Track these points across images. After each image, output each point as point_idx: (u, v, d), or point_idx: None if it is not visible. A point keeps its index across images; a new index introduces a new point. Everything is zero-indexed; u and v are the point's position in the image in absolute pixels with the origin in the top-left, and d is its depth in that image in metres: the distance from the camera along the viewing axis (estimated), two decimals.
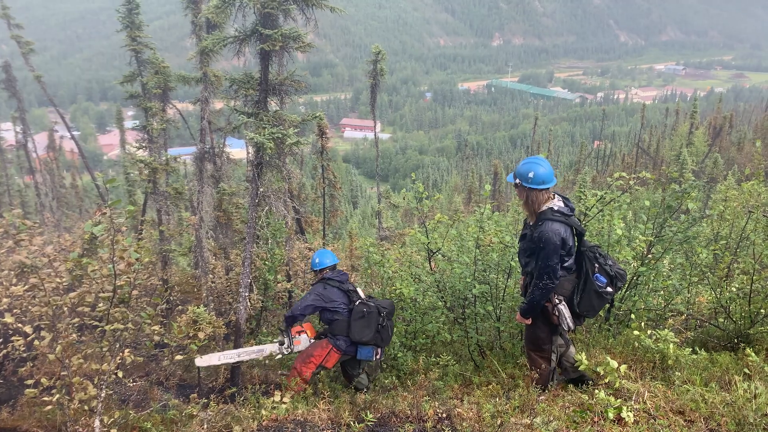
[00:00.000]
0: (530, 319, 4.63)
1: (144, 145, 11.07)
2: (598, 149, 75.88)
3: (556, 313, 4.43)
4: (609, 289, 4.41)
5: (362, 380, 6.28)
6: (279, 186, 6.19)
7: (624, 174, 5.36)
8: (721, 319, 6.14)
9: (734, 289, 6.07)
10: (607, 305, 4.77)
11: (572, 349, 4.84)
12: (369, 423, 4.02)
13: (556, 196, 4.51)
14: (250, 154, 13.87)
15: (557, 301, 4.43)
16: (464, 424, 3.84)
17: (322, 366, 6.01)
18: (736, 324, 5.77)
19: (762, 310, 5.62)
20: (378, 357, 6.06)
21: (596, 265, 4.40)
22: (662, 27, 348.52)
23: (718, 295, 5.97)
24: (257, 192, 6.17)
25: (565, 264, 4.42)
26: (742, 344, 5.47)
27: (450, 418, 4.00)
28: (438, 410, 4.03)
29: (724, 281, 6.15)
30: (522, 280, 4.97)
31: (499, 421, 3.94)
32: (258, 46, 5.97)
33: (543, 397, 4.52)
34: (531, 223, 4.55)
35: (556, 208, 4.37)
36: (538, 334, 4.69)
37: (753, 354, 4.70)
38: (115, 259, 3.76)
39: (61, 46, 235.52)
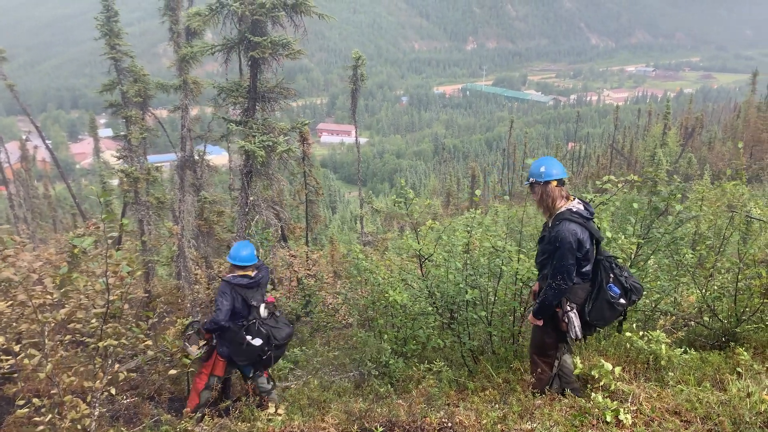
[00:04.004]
0: (542, 320, 4.60)
1: (125, 154, 10.88)
2: (572, 151, 76.88)
3: (566, 320, 4.40)
4: (622, 300, 4.35)
5: (261, 383, 6.00)
6: (268, 194, 6.13)
7: (612, 177, 5.42)
8: (706, 318, 6.23)
9: (716, 288, 6.18)
10: (622, 318, 4.67)
11: (571, 358, 4.80)
12: None
13: (575, 198, 4.49)
14: (233, 162, 13.76)
15: (569, 308, 4.39)
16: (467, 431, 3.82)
17: (213, 375, 5.70)
18: (722, 323, 5.86)
19: (747, 309, 5.72)
20: (258, 374, 5.85)
21: (611, 275, 4.36)
22: (631, 30, 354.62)
23: (705, 295, 6.06)
24: (247, 200, 6.09)
25: (582, 270, 4.39)
26: (731, 343, 5.56)
27: (451, 425, 3.98)
28: (441, 418, 4.00)
29: (708, 280, 6.24)
30: (536, 286, 4.94)
31: (500, 427, 3.93)
32: (248, 53, 5.89)
33: (539, 402, 4.53)
34: (549, 224, 4.53)
35: (574, 210, 4.35)
36: (545, 339, 4.68)
37: (744, 353, 4.78)
38: (108, 273, 3.67)
39: (30, 54, 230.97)
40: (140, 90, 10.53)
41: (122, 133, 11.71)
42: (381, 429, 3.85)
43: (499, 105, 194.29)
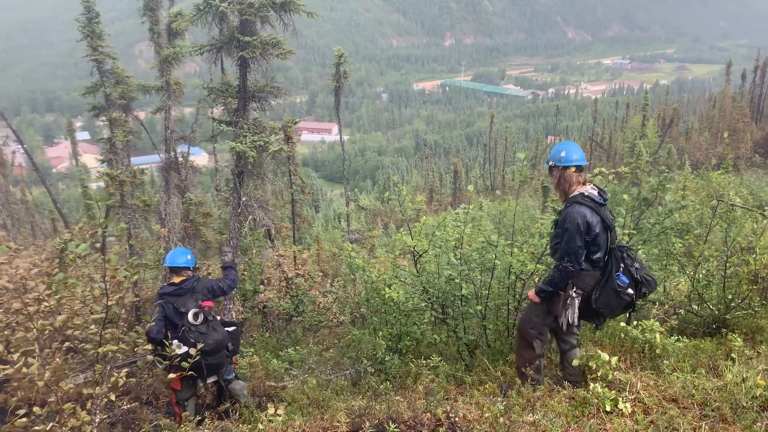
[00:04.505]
0: (539, 299, 4.62)
1: (109, 157, 10.75)
2: (552, 144, 77.47)
3: (568, 303, 4.40)
4: (630, 291, 4.32)
5: (235, 386, 5.97)
6: (259, 194, 6.11)
7: (604, 169, 5.48)
8: (695, 306, 6.34)
9: (703, 274, 6.29)
10: (630, 310, 4.63)
11: (577, 351, 4.80)
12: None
13: (590, 184, 4.50)
14: (218, 163, 13.69)
15: (573, 294, 4.39)
16: (476, 427, 3.84)
17: (176, 390, 5.59)
18: (712, 310, 5.97)
19: (736, 296, 5.83)
20: (209, 382, 5.78)
21: (622, 264, 4.35)
22: (607, 23, 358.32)
23: (694, 283, 6.17)
24: (239, 201, 6.06)
25: (593, 257, 4.38)
26: (722, 329, 5.66)
27: (454, 420, 4.00)
28: (449, 413, 4.02)
29: (696, 269, 6.34)
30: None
31: (502, 420, 3.96)
32: (237, 53, 5.85)
33: (539, 393, 4.55)
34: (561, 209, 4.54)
35: (587, 194, 4.36)
36: (533, 317, 4.73)
37: (738, 339, 4.87)
38: (106, 278, 3.63)
39: (2, 57, 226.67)
40: (124, 92, 10.40)
41: (105, 135, 11.55)
42: (393, 426, 3.84)
43: (479, 100, 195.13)
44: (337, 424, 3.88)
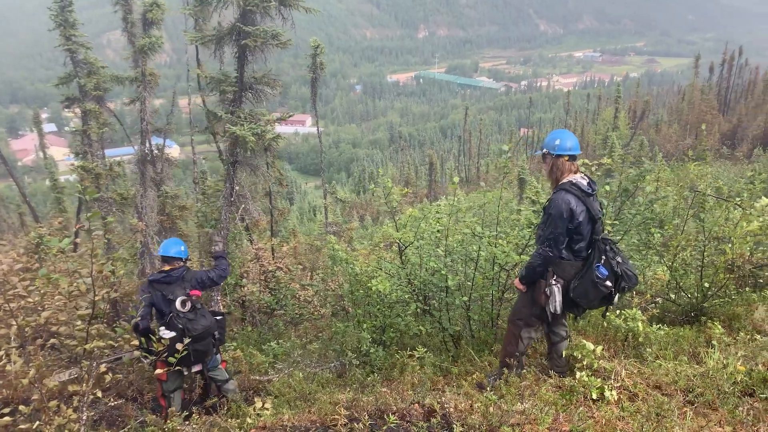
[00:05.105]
0: (525, 287, 4.64)
1: (84, 149, 10.49)
2: (525, 136, 78.17)
3: (548, 293, 4.41)
4: (608, 283, 4.30)
5: (228, 386, 5.99)
6: (252, 185, 6.11)
7: (587, 161, 5.55)
8: (672, 295, 6.48)
9: (678, 264, 6.44)
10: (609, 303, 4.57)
11: (566, 343, 4.84)
12: (367, 423, 3.98)
13: (581, 174, 4.51)
14: (195, 155, 13.47)
15: (553, 282, 4.39)
16: (469, 417, 3.87)
17: (162, 381, 5.57)
18: (690, 298, 6.11)
19: (713, 284, 5.97)
20: (194, 371, 5.78)
21: (603, 257, 4.34)
22: (579, 15, 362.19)
23: (672, 272, 6.30)
24: (233, 190, 6.04)
25: (575, 246, 4.39)
26: (701, 317, 5.80)
27: (448, 411, 4.02)
28: (443, 404, 4.04)
29: (674, 258, 6.47)
30: None
31: (492, 410, 4.00)
32: (240, 42, 5.84)
33: (526, 383, 4.60)
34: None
35: (575, 182, 4.37)
36: (520, 306, 4.76)
37: (718, 326, 5.00)
38: (93, 273, 3.55)
39: None
40: (98, 83, 10.15)
41: (76, 127, 11.27)
42: (393, 417, 3.85)
43: (452, 92, 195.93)
44: (337, 417, 3.84)
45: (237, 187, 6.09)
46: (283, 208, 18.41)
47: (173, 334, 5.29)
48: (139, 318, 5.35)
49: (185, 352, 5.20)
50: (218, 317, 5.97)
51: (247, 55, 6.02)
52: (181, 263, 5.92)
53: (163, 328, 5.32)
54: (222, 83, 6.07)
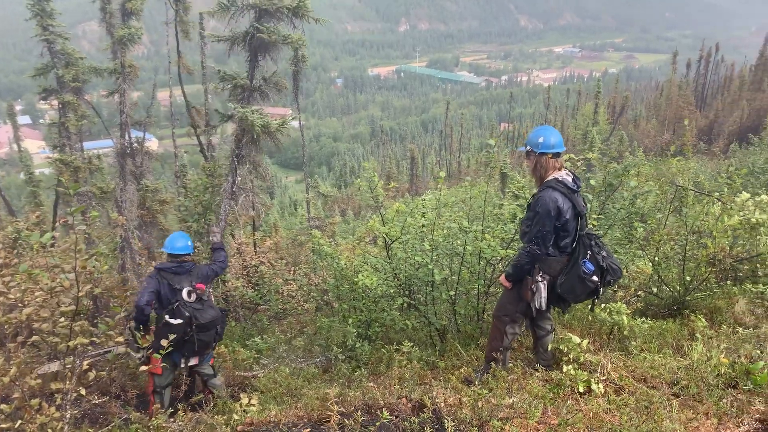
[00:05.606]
0: (511, 284, 4.63)
1: (62, 142, 10.28)
2: (506, 131, 78.58)
3: (534, 289, 4.42)
4: (594, 278, 4.33)
5: (215, 382, 6.04)
6: (254, 179, 6.16)
7: (573, 156, 5.58)
8: (654, 288, 6.55)
9: (661, 257, 6.52)
10: (595, 297, 4.59)
11: (551, 337, 4.87)
12: (359, 419, 3.96)
13: (565, 170, 4.49)
14: (177, 149, 13.30)
15: (539, 278, 4.40)
16: (458, 411, 3.87)
17: (155, 375, 5.59)
18: (672, 292, 6.19)
19: (695, 278, 6.06)
20: (189, 365, 5.80)
21: (589, 252, 4.35)
22: (559, 11, 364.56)
23: (655, 266, 6.37)
24: (235, 182, 6.09)
25: (561, 243, 4.40)
26: (683, 311, 5.88)
27: (438, 405, 4.02)
28: (434, 399, 4.04)
29: (657, 252, 6.55)
30: None
31: (480, 403, 4.01)
32: (254, 39, 5.92)
33: (513, 377, 4.62)
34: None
35: (560, 179, 4.36)
36: (505, 302, 4.75)
37: (702, 319, 5.06)
38: (77, 269, 3.48)
39: None
40: (77, 74, 9.94)
41: (52, 119, 11.04)
42: (387, 413, 3.83)
43: (434, 86, 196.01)
44: (326, 413, 3.82)
45: (239, 179, 6.15)
46: (266, 202, 18.23)
47: (180, 321, 5.38)
48: (142, 298, 5.44)
49: (189, 339, 5.37)
50: (222, 311, 6.02)
51: (258, 57, 6.18)
52: (189, 257, 6.01)
53: (167, 316, 5.40)
54: (232, 80, 6.23)
